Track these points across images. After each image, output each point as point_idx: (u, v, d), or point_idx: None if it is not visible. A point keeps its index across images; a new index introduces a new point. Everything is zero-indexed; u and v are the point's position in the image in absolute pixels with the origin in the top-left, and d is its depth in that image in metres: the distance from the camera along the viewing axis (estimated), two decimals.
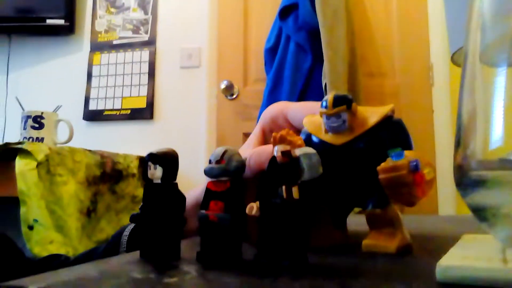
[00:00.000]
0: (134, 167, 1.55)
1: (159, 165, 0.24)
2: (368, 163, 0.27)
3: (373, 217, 0.27)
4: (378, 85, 1.73)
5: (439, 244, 0.30)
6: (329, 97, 0.27)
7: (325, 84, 1.56)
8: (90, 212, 1.35)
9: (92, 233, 1.34)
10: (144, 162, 0.25)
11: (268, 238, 0.21)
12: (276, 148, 0.22)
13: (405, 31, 1.76)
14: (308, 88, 1.61)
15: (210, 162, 0.24)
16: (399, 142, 0.27)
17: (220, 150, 0.24)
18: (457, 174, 0.22)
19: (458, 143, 0.23)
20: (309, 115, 0.31)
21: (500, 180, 0.20)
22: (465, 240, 0.26)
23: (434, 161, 1.59)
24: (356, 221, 0.39)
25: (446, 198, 1.58)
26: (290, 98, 1.57)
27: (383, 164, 0.25)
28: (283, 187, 0.21)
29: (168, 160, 0.25)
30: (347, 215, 0.30)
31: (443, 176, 1.60)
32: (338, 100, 0.27)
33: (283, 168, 0.21)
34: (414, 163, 0.24)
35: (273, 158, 0.21)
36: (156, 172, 0.24)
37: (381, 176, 0.25)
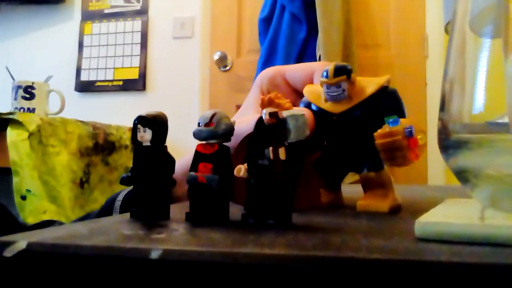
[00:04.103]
0: (126, 138, 1.55)
1: (149, 128, 0.25)
2: (364, 130, 0.28)
3: (367, 180, 0.29)
4: (373, 56, 1.72)
5: (423, 207, 0.31)
6: (330, 67, 0.28)
7: (319, 55, 1.55)
8: (83, 183, 1.35)
9: (86, 203, 1.35)
10: (133, 125, 0.25)
11: (255, 199, 0.22)
12: (264, 111, 0.22)
13: (401, 1, 1.74)
14: (303, 60, 1.60)
15: (199, 124, 0.24)
16: (394, 110, 0.28)
17: (209, 113, 0.24)
18: (441, 137, 0.23)
19: (442, 107, 0.24)
20: (309, 84, 0.33)
21: (482, 142, 0.21)
22: (447, 202, 0.26)
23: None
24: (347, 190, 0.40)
25: (436, 170, 1.61)
26: None
27: (379, 130, 0.27)
28: (270, 149, 0.21)
29: (157, 123, 0.25)
30: (342, 178, 0.32)
31: (433, 148, 1.61)
32: (339, 70, 0.28)
33: (270, 129, 0.21)
34: (409, 129, 0.26)
35: (260, 119, 0.22)
36: (145, 135, 0.25)
37: (378, 141, 0.26)
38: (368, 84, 0.29)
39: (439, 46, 1.69)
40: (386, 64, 1.71)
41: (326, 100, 0.29)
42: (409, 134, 0.26)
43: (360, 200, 0.28)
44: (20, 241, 0.17)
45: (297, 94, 0.39)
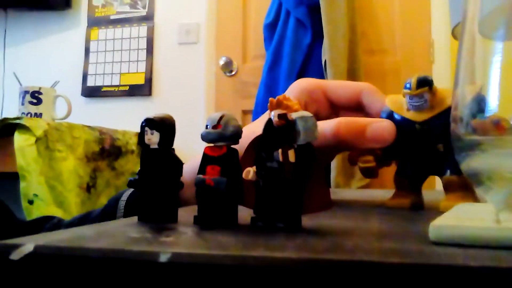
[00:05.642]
0: (133, 143, 1.55)
1: (156, 130, 0.24)
2: (445, 136, 0.30)
3: (449, 182, 0.31)
4: (379, 62, 1.72)
5: (436, 212, 0.30)
6: (412, 79, 0.31)
7: (325, 61, 1.55)
8: (89, 188, 1.36)
9: (93, 208, 1.35)
10: (140, 127, 0.25)
11: (264, 202, 0.22)
12: (273, 113, 0.22)
13: (407, 7, 1.74)
14: (308, 65, 1.60)
15: (206, 127, 0.24)
16: None
17: (216, 115, 0.24)
18: (453, 139, 0.23)
19: (454, 109, 0.23)
20: (390, 95, 0.35)
21: (496, 143, 0.21)
22: (460, 206, 0.26)
23: None
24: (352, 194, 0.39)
25: None
26: (289, 75, 1.56)
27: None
28: (279, 151, 0.21)
29: (165, 126, 0.25)
30: (424, 181, 0.34)
31: None
32: (421, 82, 0.31)
33: (279, 131, 0.21)
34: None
35: (269, 121, 0.21)
36: (153, 138, 0.25)
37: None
38: (448, 95, 0.31)
39: (445, 51, 1.69)
40: (392, 70, 1.70)
41: (408, 110, 0.32)
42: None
43: (443, 201, 0.30)
44: (27, 244, 0.16)
45: (332, 110, 0.39)
